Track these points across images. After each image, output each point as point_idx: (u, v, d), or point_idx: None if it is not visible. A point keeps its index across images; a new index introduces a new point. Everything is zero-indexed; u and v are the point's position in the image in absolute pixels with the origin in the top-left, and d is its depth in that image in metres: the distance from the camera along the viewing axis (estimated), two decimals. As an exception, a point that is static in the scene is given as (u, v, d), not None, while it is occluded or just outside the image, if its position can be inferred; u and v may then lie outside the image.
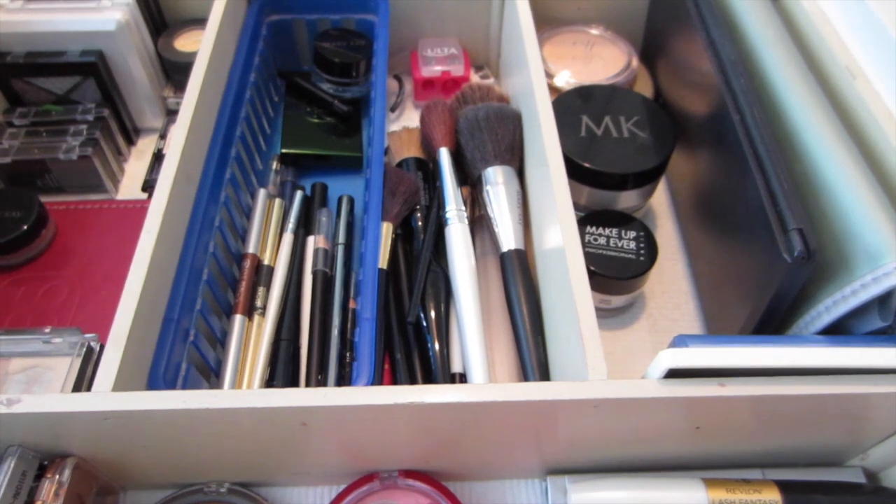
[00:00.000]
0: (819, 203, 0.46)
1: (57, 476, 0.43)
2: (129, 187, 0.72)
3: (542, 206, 0.55)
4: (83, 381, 0.51)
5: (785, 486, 0.46)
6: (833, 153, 0.47)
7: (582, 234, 0.58)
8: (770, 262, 0.45)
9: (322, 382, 0.52)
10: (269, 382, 0.53)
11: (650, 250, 0.58)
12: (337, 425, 0.42)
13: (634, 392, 0.39)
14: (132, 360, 0.43)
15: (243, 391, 0.41)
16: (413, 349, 0.55)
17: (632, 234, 0.58)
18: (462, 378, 0.54)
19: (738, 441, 0.46)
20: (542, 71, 0.58)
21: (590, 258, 0.56)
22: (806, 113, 0.50)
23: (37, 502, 0.41)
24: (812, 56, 0.55)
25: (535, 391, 0.39)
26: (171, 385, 0.47)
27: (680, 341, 0.42)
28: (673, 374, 0.39)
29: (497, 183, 0.59)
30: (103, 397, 0.39)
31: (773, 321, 0.49)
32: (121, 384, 0.42)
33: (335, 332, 0.55)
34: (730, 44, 0.56)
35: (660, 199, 0.70)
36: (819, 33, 0.55)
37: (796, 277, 0.44)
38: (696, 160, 0.62)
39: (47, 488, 0.42)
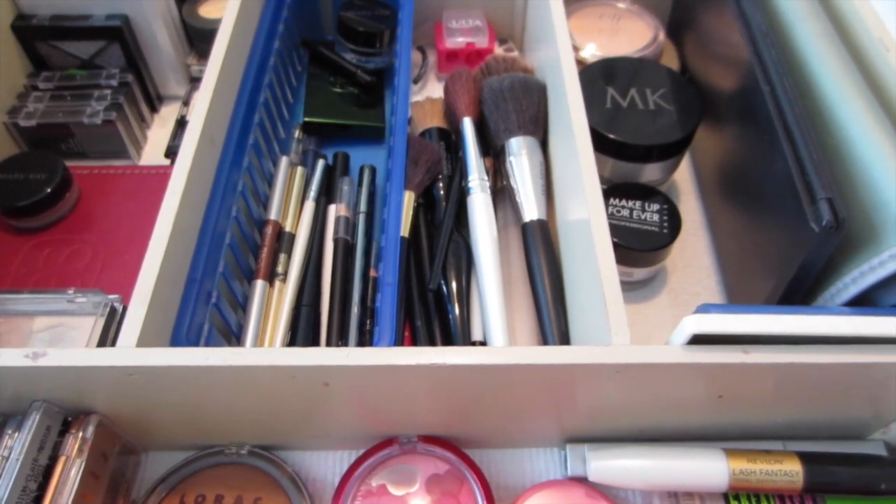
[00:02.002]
0: (849, 174, 0.46)
1: (81, 432, 0.43)
2: (151, 154, 0.72)
3: (566, 178, 0.55)
4: (107, 340, 0.51)
5: (806, 457, 0.46)
6: (864, 125, 0.46)
7: (605, 205, 0.57)
8: (797, 233, 0.44)
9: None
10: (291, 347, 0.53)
11: (673, 223, 0.57)
12: (358, 387, 0.42)
13: (657, 357, 0.39)
14: (156, 317, 0.44)
15: (267, 349, 0.41)
16: (433, 317, 0.55)
17: (655, 206, 0.58)
18: (482, 346, 0.53)
19: (760, 411, 0.46)
20: (569, 41, 0.58)
21: (613, 230, 0.56)
22: (838, 85, 0.49)
23: (61, 457, 0.42)
24: (844, 28, 0.54)
25: (558, 354, 0.39)
26: (193, 345, 0.47)
27: (703, 310, 0.41)
28: (696, 340, 0.39)
29: (520, 153, 0.59)
30: (128, 352, 0.39)
31: (798, 294, 0.48)
32: (145, 341, 0.42)
33: (356, 299, 0.55)
34: (760, 15, 0.55)
35: (683, 175, 0.69)
36: (852, 5, 0.54)
37: (824, 247, 0.44)
38: (722, 134, 0.61)
39: (71, 443, 0.42)
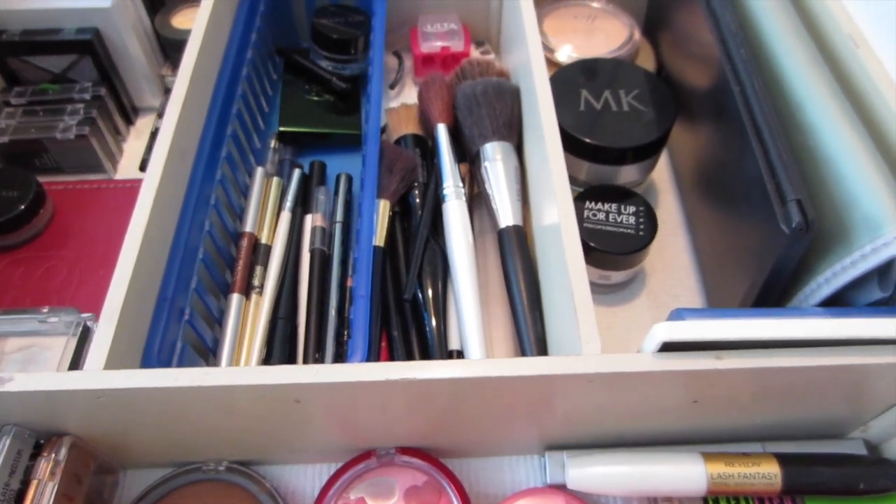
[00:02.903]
0: (820, 173, 0.45)
1: (53, 455, 0.43)
2: (127, 167, 0.72)
3: (540, 182, 0.54)
4: (80, 361, 0.51)
5: (784, 459, 0.45)
6: (834, 123, 0.46)
7: (581, 209, 0.57)
8: (769, 234, 0.44)
9: (319, 361, 0.52)
10: (267, 361, 0.53)
11: (650, 225, 0.57)
12: (331, 402, 0.42)
13: (628, 366, 0.38)
14: (125, 338, 0.43)
15: (234, 368, 0.41)
16: (410, 327, 0.55)
17: (631, 208, 0.58)
18: (460, 355, 0.53)
19: (736, 414, 0.46)
20: (540, 44, 0.58)
21: (589, 233, 0.56)
22: (807, 83, 0.49)
23: (33, 481, 0.41)
24: (814, 25, 0.54)
25: (528, 366, 0.39)
26: (165, 364, 0.47)
27: (677, 315, 0.41)
28: (668, 347, 0.39)
29: (495, 159, 0.59)
30: (94, 375, 0.39)
31: (774, 294, 0.48)
32: (114, 362, 0.41)
33: (332, 310, 0.55)
34: (730, 14, 0.55)
35: (661, 173, 0.69)
36: (822, 1, 0.54)
37: (795, 249, 0.44)
38: (697, 133, 0.61)
39: (43, 467, 0.42)
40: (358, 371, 0.39)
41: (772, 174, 0.45)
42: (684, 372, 0.39)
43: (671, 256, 0.63)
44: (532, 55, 0.57)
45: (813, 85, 0.48)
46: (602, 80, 0.63)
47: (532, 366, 0.38)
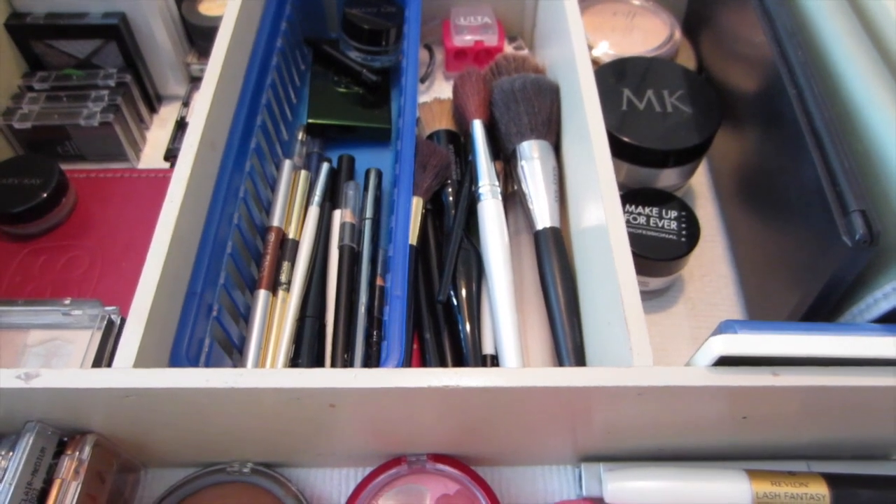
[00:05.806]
0: (881, 183, 0.44)
1: (77, 453, 0.41)
2: (150, 156, 0.70)
3: (581, 183, 0.53)
4: (104, 355, 0.49)
5: (833, 480, 0.44)
6: (896, 130, 0.44)
7: (621, 212, 0.56)
8: (827, 246, 0.42)
9: (348, 362, 0.51)
10: (294, 360, 0.52)
11: (692, 231, 0.55)
12: (366, 407, 0.41)
13: (682, 380, 0.37)
14: (154, 334, 0.42)
15: (269, 370, 0.39)
16: (443, 329, 0.53)
17: (673, 213, 0.56)
18: (493, 360, 0.52)
19: (784, 432, 0.44)
20: (585, 40, 0.56)
21: (628, 238, 0.54)
22: (868, 88, 0.47)
23: (56, 480, 0.40)
24: (874, 27, 0.52)
25: (576, 377, 0.37)
26: (194, 362, 0.45)
27: (727, 327, 0.39)
28: (722, 361, 0.37)
29: (532, 158, 0.57)
30: (124, 374, 0.38)
31: (825, 308, 0.46)
32: (143, 360, 0.40)
33: (362, 309, 0.53)
34: (786, 13, 0.53)
35: (698, 178, 0.67)
36: (881, 2, 0.52)
37: (856, 262, 0.42)
38: (742, 137, 0.59)
39: (67, 465, 0.41)
40: (398, 376, 0.37)
41: (832, 183, 0.43)
42: (739, 388, 0.37)
43: (710, 264, 0.61)
44: (577, 51, 0.55)
45: (873, 89, 0.46)
46: (645, 79, 0.61)
47: (582, 376, 0.37)
